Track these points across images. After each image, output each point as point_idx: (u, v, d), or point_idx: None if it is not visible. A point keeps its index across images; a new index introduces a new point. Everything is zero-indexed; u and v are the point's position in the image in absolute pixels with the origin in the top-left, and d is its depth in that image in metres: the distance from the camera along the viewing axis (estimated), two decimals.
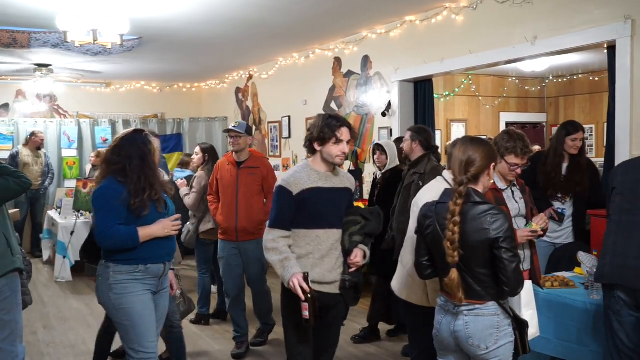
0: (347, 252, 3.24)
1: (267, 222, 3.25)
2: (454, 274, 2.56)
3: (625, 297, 2.93)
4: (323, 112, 8.14)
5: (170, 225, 3.29)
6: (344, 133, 3.16)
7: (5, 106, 10.21)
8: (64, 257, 7.69)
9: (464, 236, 2.54)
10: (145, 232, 3.17)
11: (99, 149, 9.77)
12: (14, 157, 9.12)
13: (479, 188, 2.68)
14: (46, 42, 6.94)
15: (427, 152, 4.64)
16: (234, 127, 4.89)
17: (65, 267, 7.67)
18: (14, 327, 3.55)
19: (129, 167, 3.19)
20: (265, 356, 4.96)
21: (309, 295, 2.97)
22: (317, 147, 3.19)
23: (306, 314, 2.97)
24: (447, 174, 3.21)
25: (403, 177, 4.80)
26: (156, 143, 3.50)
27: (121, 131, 10.28)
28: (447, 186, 3.09)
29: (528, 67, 8.59)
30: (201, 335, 5.49)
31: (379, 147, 5.38)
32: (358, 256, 3.23)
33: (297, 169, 3.27)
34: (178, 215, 3.37)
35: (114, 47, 5.92)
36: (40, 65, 8.68)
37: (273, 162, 9.28)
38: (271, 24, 6.65)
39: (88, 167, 9.60)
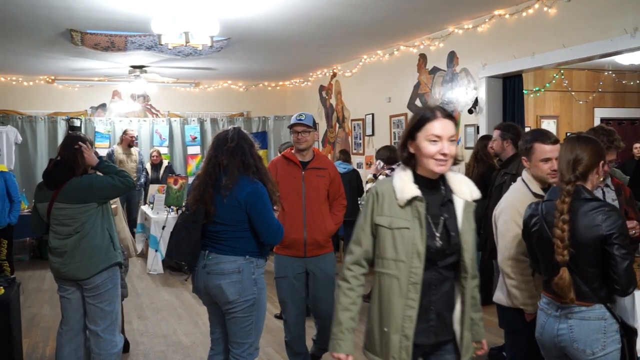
0: None
1: None
2: (565, 273, 2.48)
3: None
4: (407, 110, 8.08)
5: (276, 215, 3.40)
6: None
7: (103, 106, 10.79)
8: (156, 251, 8.04)
9: (574, 234, 2.48)
10: None
11: (157, 148, 10.20)
12: (110, 156, 9.64)
13: (588, 186, 2.61)
14: (141, 44, 7.27)
15: (518, 151, 4.51)
16: (300, 120, 3.97)
17: (157, 260, 8.01)
18: (114, 317, 3.77)
19: (259, 165, 3.28)
20: None
21: None
22: None
23: None
24: (526, 174, 3.12)
25: (493, 177, 4.67)
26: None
27: (208, 129, 10.65)
28: (527, 189, 3.05)
29: (626, 60, 8.13)
30: None
31: None
32: None
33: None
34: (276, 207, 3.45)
35: (204, 48, 6.12)
36: (135, 67, 9.12)
37: (356, 159, 9.31)
38: (355, 21, 6.65)
39: (148, 166, 9.98)
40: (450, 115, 2.25)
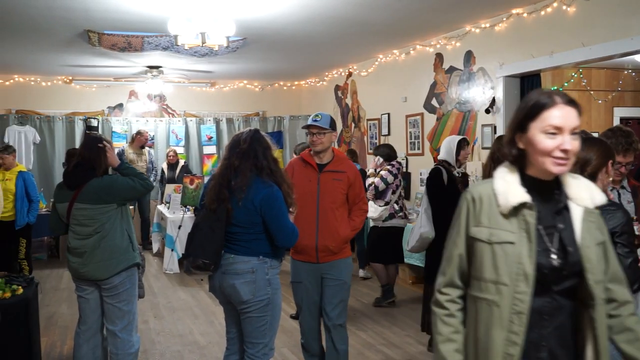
0: None
1: None
2: None
3: None
4: (424, 110, 8.03)
5: (292, 218, 3.40)
6: None
7: (120, 106, 10.86)
8: (172, 250, 8.08)
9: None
10: None
11: (174, 147, 10.24)
12: (120, 155, 9.69)
13: (597, 186, 2.58)
14: (157, 45, 7.30)
15: None
16: (315, 121, 3.76)
17: (173, 260, 8.05)
18: (132, 317, 3.80)
19: (274, 168, 3.28)
20: None
21: None
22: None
23: None
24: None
25: None
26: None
27: (224, 129, 10.69)
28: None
29: None
30: None
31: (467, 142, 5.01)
32: None
33: None
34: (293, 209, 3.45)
35: (220, 48, 6.13)
36: (151, 67, 9.17)
37: (371, 159, 9.26)
38: (372, 21, 6.63)
39: (164, 165, 10.03)
40: (573, 102, 1.80)
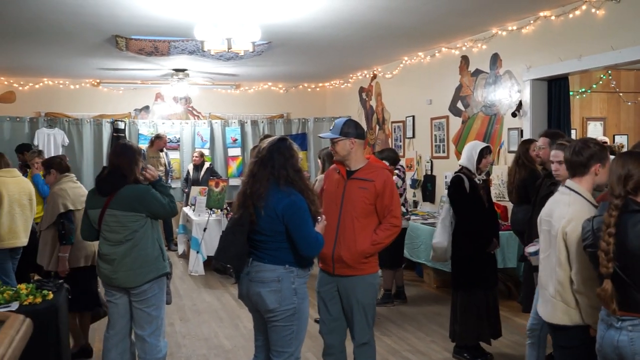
0: None
1: None
2: (607, 284, 2.52)
3: None
4: (449, 112, 7.98)
5: (324, 225, 3.40)
6: None
7: (146, 108, 10.99)
8: (197, 252, 8.14)
9: (624, 245, 2.49)
10: None
11: (200, 149, 10.30)
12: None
13: (638, 200, 2.61)
14: (184, 49, 7.37)
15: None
16: (324, 135, 3.80)
17: (199, 262, 8.12)
18: (160, 322, 3.87)
19: (298, 177, 3.28)
20: None
21: None
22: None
23: None
24: (576, 185, 3.02)
25: (537, 185, 4.59)
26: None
27: (249, 132, 10.73)
28: (586, 201, 2.97)
29: None
30: None
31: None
32: None
33: None
34: (324, 217, 3.45)
35: (246, 53, 6.16)
36: (177, 70, 9.26)
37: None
38: (397, 24, 6.60)
39: (190, 167, 10.10)
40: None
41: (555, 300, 3.06)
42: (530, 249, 3.91)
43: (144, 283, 3.76)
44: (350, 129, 3.64)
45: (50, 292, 3.85)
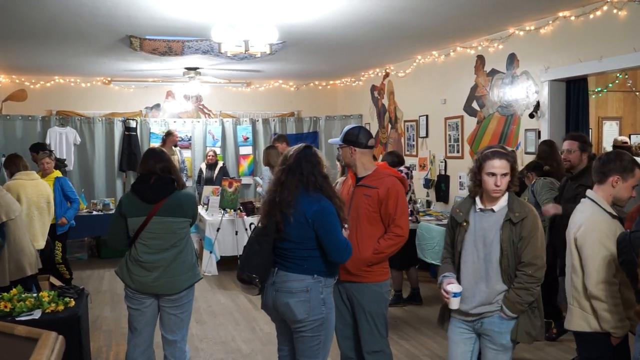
0: None
1: None
2: None
3: None
4: (464, 112, 7.92)
5: (347, 234, 3.37)
6: None
7: (157, 106, 10.96)
8: (211, 252, 8.12)
9: None
10: None
11: (213, 148, 10.26)
12: None
13: None
14: (197, 49, 7.33)
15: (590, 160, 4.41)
16: (331, 141, 3.87)
17: (212, 262, 8.10)
18: (188, 327, 3.88)
19: (322, 183, 3.27)
20: None
21: None
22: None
23: None
24: (592, 193, 3.05)
25: (561, 188, 4.55)
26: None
27: (260, 130, 10.68)
28: (602, 210, 3.00)
29: None
30: None
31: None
32: None
33: None
34: (347, 225, 3.42)
35: (263, 55, 6.12)
36: (189, 69, 9.21)
37: (409, 161, 9.17)
38: (412, 25, 6.54)
39: (203, 166, 10.06)
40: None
41: (572, 306, 3.12)
42: (450, 287, 3.17)
43: (185, 289, 3.76)
44: (351, 136, 3.60)
45: (72, 299, 3.83)
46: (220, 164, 10.13)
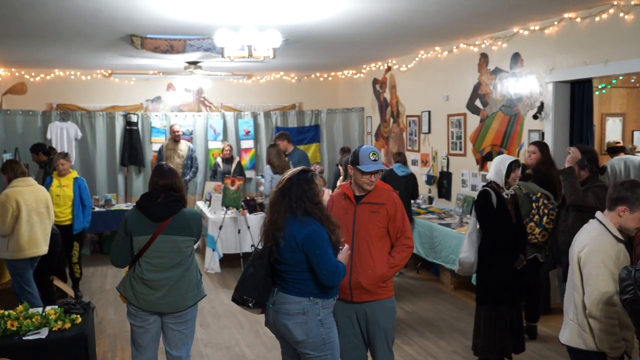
0: None
1: None
2: None
3: None
4: (467, 110, 7.88)
5: (347, 254, 3.39)
6: None
7: (158, 99, 10.90)
8: (213, 250, 8.14)
9: None
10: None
11: (229, 143, 10.21)
12: (160, 151, 9.78)
13: None
14: (199, 47, 7.27)
15: (592, 173, 4.43)
16: (367, 168, 3.69)
17: (215, 260, 8.12)
18: (192, 343, 3.90)
19: (317, 209, 3.28)
20: None
21: None
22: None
23: None
24: (601, 215, 3.08)
25: (563, 197, 4.57)
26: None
27: (262, 123, 10.62)
28: (608, 233, 3.04)
29: None
30: None
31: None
32: None
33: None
34: (347, 246, 3.44)
35: (266, 59, 6.06)
36: (190, 63, 9.14)
37: (410, 156, 9.15)
38: (417, 24, 6.48)
39: (219, 160, 9.99)
40: None
41: (572, 322, 3.18)
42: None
43: (190, 306, 3.76)
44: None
45: (78, 315, 3.84)
46: (237, 158, 10.02)
